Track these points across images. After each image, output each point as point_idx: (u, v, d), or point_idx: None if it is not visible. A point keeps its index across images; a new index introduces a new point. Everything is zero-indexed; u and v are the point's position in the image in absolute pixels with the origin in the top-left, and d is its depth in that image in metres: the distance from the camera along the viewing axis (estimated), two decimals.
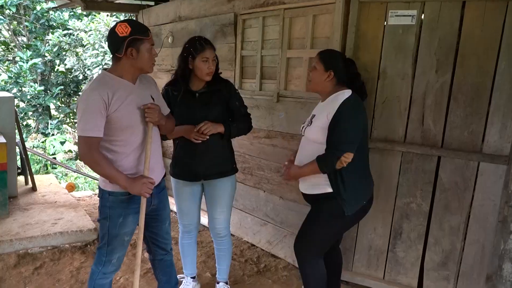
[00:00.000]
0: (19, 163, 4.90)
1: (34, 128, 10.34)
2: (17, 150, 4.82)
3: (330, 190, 2.31)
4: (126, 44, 1.99)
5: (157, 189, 2.26)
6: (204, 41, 2.55)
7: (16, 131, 4.63)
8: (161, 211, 2.33)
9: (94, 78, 2.16)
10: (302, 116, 3.00)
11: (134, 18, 5.41)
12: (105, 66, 8.81)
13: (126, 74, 2.09)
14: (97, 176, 2.54)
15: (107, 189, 2.14)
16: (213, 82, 2.60)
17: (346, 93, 2.29)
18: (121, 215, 2.15)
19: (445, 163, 2.67)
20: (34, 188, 4.75)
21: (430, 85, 2.66)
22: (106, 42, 2.13)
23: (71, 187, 5.36)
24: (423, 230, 2.81)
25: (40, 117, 10.05)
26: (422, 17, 2.64)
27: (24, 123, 10.18)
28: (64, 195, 4.63)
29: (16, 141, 4.70)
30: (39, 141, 9.47)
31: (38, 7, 9.76)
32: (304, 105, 3.14)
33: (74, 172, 7.88)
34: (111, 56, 2.14)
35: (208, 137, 2.53)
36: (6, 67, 10.01)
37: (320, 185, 2.34)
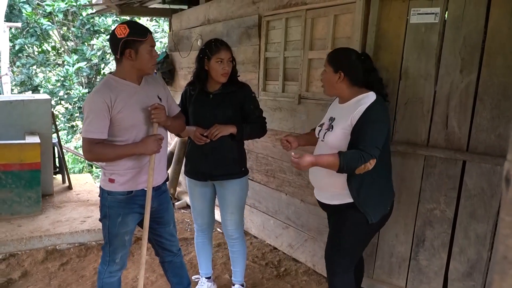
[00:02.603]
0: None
1: (81, 129, 10.80)
2: (56, 150, 5.05)
3: (350, 200, 2.22)
4: (121, 45, 2.01)
5: (156, 192, 2.27)
6: (220, 43, 2.58)
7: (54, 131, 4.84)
8: (163, 213, 2.34)
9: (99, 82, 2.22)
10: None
11: (168, 22, 5.53)
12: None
13: (128, 75, 2.12)
14: None
15: (106, 188, 2.18)
16: (229, 84, 2.61)
17: (371, 96, 2.18)
18: (119, 214, 2.17)
19: (470, 168, 2.53)
20: (70, 187, 4.95)
21: (454, 85, 2.53)
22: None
23: None
24: (447, 238, 2.68)
25: None
26: (446, 14, 2.52)
27: (73, 123, 10.64)
28: (97, 194, 4.76)
29: (54, 141, 4.92)
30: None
31: (84, 13, 10.18)
32: (325, 107, 3.07)
33: None
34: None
35: (209, 140, 2.53)
36: (55, 71, 10.52)
37: (340, 196, 2.26)
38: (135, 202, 2.18)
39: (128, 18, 10.34)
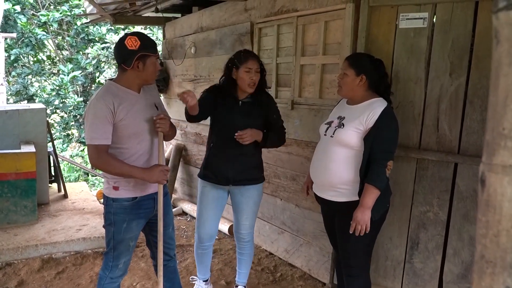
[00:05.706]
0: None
1: (76, 137, 10.78)
2: (51, 159, 5.05)
3: (356, 198, 2.27)
4: (136, 58, 2.05)
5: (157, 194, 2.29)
6: (248, 53, 2.64)
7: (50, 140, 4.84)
8: (164, 216, 2.35)
9: (100, 88, 2.24)
10: (316, 123, 2.97)
11: (161, 30, 5.56)
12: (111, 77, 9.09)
13: (132, 84, 2.15)
14: None
15: (110, 196, 2.20)
16: (256, 93, 2.65)
17: (381, 102, 2.26)
18: (125, 220, 2.19)
19: (462, 170, 2.55)
20: (65, 195, 4.94)
21: (444, 89, 2.56)
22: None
23: (101, 194, 5.53)
24: (441, 240, 2.70)
25: (80, 127, 10.45)
26: (434, 19, 2.56)
27: (69, 132, 10.63)
28: (92, 202, 4.78)
29: (50, 150, 4.93)
30: (78, 149, 9.85)
31: (79, 23, 10.20)
32: (318, 112, 3.11)
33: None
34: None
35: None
36: (50, 80, 10.52)
37: (346, 192, 2.30)
38: (140, 207, 2.21)
39: (122, 27, 10.40)
